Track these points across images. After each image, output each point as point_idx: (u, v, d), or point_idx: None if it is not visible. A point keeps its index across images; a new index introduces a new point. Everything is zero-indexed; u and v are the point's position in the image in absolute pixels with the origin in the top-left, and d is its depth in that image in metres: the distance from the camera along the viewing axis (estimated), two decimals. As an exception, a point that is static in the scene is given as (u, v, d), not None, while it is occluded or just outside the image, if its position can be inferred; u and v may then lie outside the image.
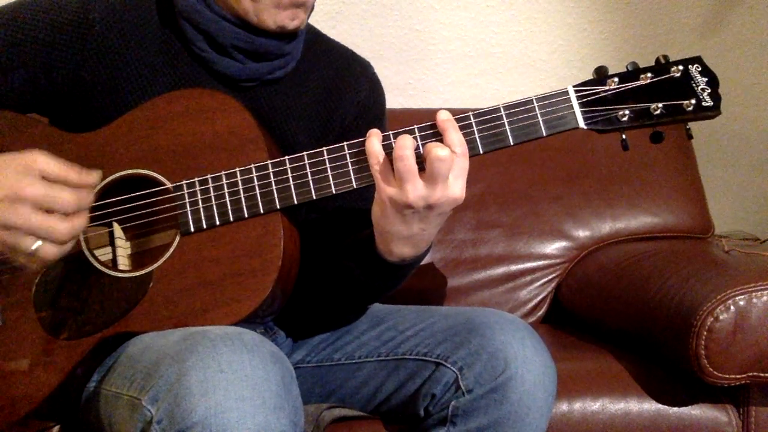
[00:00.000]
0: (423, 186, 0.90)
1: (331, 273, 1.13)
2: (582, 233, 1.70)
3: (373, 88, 1.26)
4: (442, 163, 0.89)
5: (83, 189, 0.88)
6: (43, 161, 0.86)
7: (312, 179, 0.98)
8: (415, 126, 0.96)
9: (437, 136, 0.94)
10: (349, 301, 1.16)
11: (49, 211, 0.86)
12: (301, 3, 1.05)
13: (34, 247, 0.86)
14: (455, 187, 0.91)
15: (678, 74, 0.96)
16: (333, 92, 1.20)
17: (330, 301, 1.17)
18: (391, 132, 0.96)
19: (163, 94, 1.03)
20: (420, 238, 0.97)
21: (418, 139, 0.94)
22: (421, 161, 0.91)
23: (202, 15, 1.06)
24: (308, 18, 1.13)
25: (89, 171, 0.89)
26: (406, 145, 0.90)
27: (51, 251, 0.87)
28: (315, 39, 1.22)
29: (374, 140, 0.94)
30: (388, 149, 0.94)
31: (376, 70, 1.28)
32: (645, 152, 1.72)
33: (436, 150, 0.89)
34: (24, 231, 0.85)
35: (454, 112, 0.96)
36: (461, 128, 0.94)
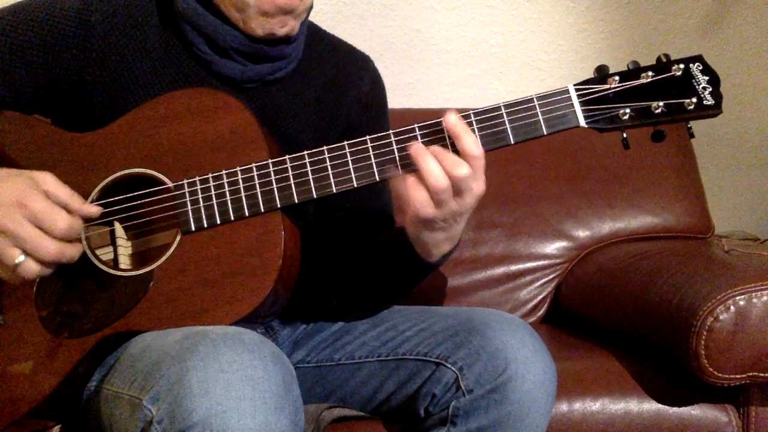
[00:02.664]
0: (454, 201, 0.92)
1: (369, 274, 1.14)
2: (582, 233, 1.70)
3: (375, 82, 1.26)
4: (467, 180, 0.91)
5: (79, 218, 0.92)
6: (52, 182, 0.91)
7: (313, 178, 0.98)
8: (416, 125, 0.96)
9: (438, 134, 0.95)
10: (385, 299, 1.18)
11: (42, 228, 0.89)
12: (289, 10, 1.04)
13: (17, 260, 0.88)
14: (477, 185, 0.93)
15: (679, 73, 0.95)
16: (335, 88, 1.20)
17: (365, 297, 1.18)
18: (391, 131, 0.96)
19: (164, 94, 1.03)
20: (456, 233, 1.00)
21: (419, 138, 0.95)
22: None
23: (202, 18, 1.06)
24: (306, 19, 1.13)
25: (91, 205, 0.95)
26: (441, 174, 0.91)
27: (32, 269, 0.89)
28: (315, 36, 1.22)
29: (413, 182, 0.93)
30: (389, 147, 0.95)
31: (376, 70, 1.29)
32: (645, 152, 1.72)
33: (459, 169, 0.90)
34: (13, 239, 0.87)
35: (454, 112, 0.96)
36: (461, 127, 0.95)
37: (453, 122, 0.93)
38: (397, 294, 1.16)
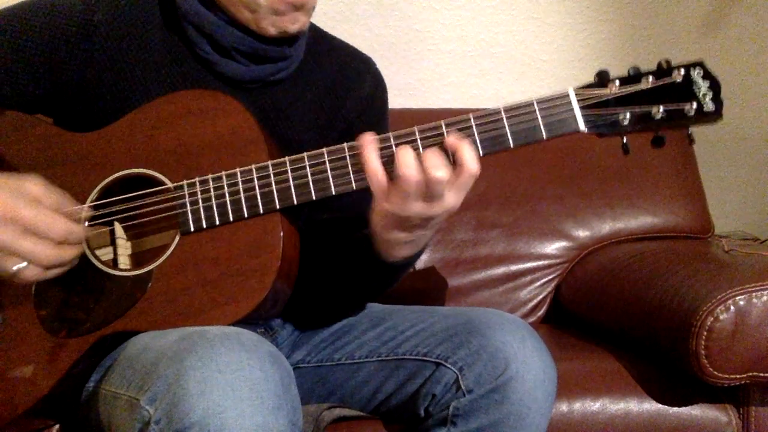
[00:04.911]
0: (423, 203, 0.91)
1: (334, 273, 1.13)
2: (582, 233, 1.70)
3: (377, 84, 1.26)
4: (441, 186, 0.89)
5: (76, 221, 0.91)
6: (41, 188, 0.89)
7: (312, 180, 0.97)
8: (415, 127, 0.95)
9: (438, 138, 0.94)
10: (353, 298, 1.18)
11: (38, 236, 0.87)
12: (300, 5, 1.04)
13: (14, 268, 0.87)
14: (453, 200, 0.92)
15: (680, 78, 0.94)
16: (336, 90, 1.20)
17: (333, 298, 1.18)
18: (391, 133, 0.95)
19: (165, 95, 1.03)
20: (420, 240, 0.99)
21: (418, 141, 0.94)
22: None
23: (205, 18, 1.06)
24: (309, 18, 1.13)
25: (82, 207, 0.95)
26: (409, 164, 0.89)
27: (32, 273, 0.89)
28: (317, 37, 1.22)
29: (373, 155, 0.92)
30: (388, 151, 0.93)
31: (375, 70, 1.28)
32: (645, 153, 1.69)
33: (435, 172, 0.88)
34: (9, 251, 0.87)
35: (454, 112, 0.95)
36: (461, 130, 0.94)
37: (453, 138, 0.93)
38: (362, 293, 1.16)
